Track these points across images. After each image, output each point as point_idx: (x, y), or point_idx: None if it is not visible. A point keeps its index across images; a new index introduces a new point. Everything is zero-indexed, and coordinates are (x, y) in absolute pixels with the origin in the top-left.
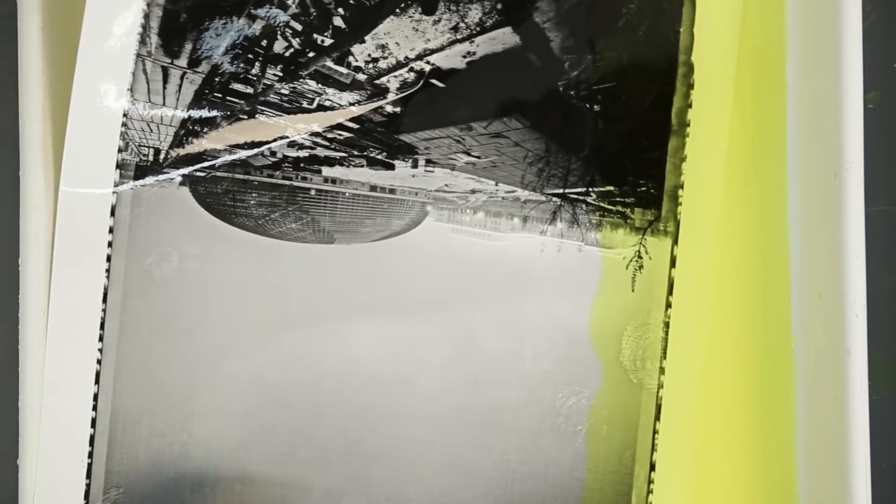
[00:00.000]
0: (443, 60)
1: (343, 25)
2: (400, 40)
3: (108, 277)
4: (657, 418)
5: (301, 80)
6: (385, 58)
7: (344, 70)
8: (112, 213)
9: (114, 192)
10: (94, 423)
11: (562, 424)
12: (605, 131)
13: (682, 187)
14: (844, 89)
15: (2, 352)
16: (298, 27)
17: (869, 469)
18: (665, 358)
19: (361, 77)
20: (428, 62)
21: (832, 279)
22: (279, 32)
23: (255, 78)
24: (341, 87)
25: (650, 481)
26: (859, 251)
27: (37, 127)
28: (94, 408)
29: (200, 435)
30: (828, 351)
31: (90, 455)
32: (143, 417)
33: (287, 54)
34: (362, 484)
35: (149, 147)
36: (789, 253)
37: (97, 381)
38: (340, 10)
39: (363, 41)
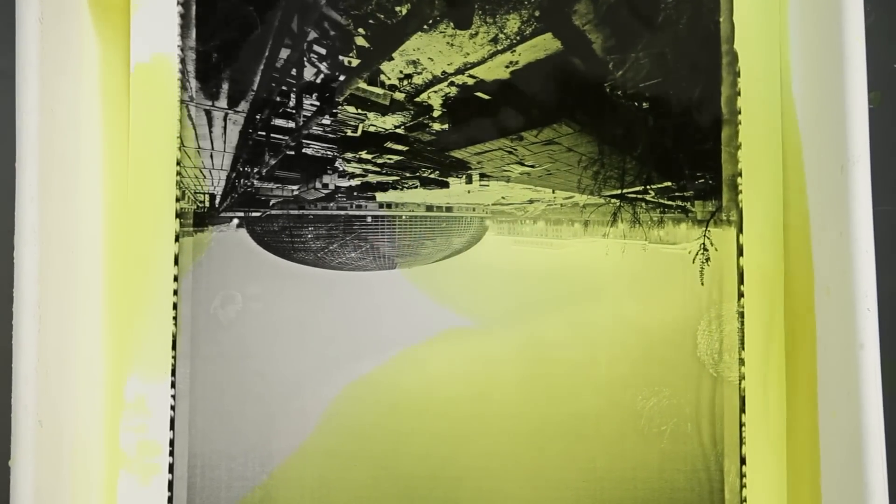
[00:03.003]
0: (486, 72)
1: (367, 45)
2: (433, 55)
3: (175, 324)
4: (742, 411)
5: (339, 106)
6: (419, 73)
7: (379, 91)
8: (175, 262)
9: (176, 241)
10: (171, 468)
11: (645, 426)
12: (657, 127)
13: (740, 175)
14: (848, 84)
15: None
16: (323, 51)
17: (885, 462)
18: (744, 349)
19: (399, 96)
20: (471, 76)
21: (841, 274)
22: (305, 58)
23: (293, 111)
24: (382, 109)
25: (742, 475)
26: (868, 245)
27: (33, 117)
28: (171, 453)
29: (281, 476)
30: (840, 346)
31: (170, 500)
32: (222, 461)
33: (318, 81)
34: None
35: (204, 193)
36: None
37: (172, 427)
38: (361, 30)
39: (391, 58)
